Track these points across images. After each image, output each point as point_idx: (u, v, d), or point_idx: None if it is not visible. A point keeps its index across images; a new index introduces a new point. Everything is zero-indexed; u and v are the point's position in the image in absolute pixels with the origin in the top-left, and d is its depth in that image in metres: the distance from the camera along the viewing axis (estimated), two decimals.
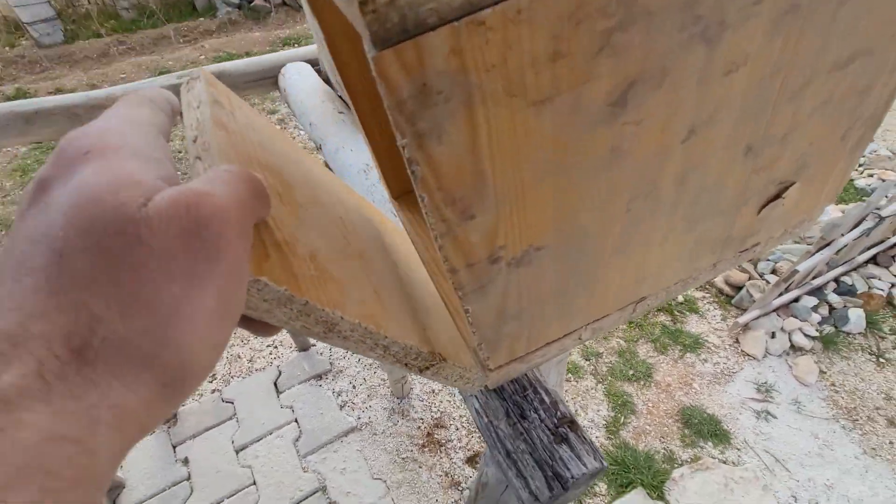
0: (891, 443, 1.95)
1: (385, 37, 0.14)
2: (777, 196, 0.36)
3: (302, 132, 3.36)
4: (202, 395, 1.99)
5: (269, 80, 1.19)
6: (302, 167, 0.30)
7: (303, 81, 1.13)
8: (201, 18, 4.90)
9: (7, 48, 4.29)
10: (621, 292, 0.37)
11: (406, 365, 0.28)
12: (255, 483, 1.74)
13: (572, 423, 0.51)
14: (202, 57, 4.25)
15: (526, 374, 0.55)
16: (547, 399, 0.53)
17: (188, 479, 1.75)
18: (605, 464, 0.49)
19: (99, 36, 4.48)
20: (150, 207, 0.14)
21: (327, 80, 1.18)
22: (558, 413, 0.52)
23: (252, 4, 5.08)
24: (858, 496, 1.81)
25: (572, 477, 0.46)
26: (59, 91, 3.80)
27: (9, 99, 3.65)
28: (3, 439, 0.11)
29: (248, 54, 4.34)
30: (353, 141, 0.89)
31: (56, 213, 0.14)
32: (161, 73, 4.01)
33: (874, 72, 0.28)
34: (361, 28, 0.14)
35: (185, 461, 1.79)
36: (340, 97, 1.07)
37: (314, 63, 1.25)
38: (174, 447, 1.83)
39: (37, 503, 0.11)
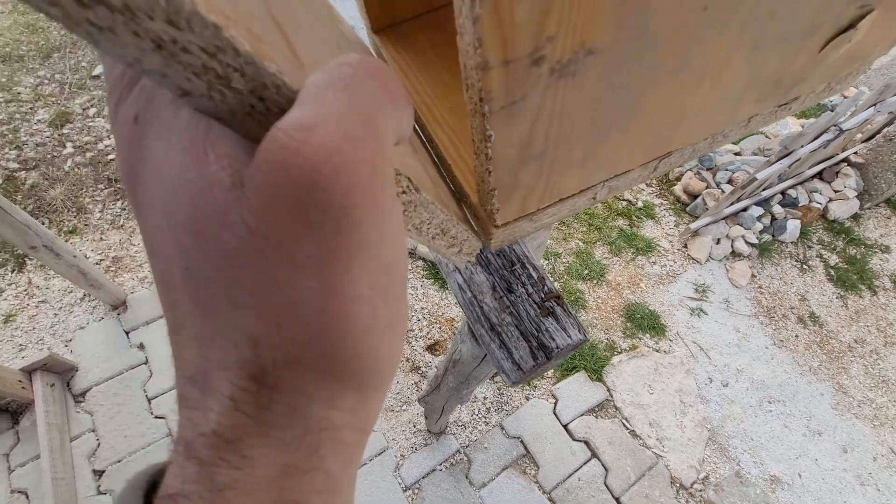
0: (796, 336, 2.24)
1: None
2: (849, 27, 0.31)
3: None
4: (152, 283, 1.90)
5: None
6: None
7: None
8: None
9: None
10: (654, 140, 0.32)
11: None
12: None
13: (559, 298, 0.49)
14: None
15: (514, 249, 0.52)
16: (534, 274, 0.50)
17: (146, 363, 1.74)
18: (588, 336, 0.48)
19: None
20: (248, 186, 0.11)
21: None
22: (545, 288, 0.50)
23: None
24: (762, 378, 2.11)
25: (557, 347, 0.46)
26: None
27: None
28: (246, 478, 0.11)
29: None
30: None
31: (155, 214, 0.12)
32: None
33: None
34: None
35: (141, 346, 1.76)
36: None
37: None
38: (127, 333, 1.78)
39: None
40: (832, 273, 2.44)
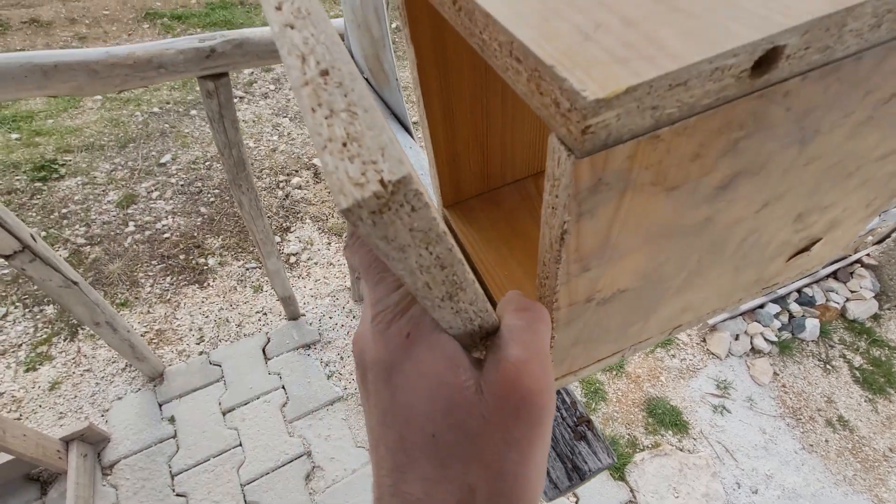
0: (826, 441, 2.17)
1: (589, 150, 0.18)
2: (805, 249, 0.42)
3: None
4: (189, 356, 2.01)
5: None
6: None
7: None
8: None
9: None
10: (668, 320, 0.43)
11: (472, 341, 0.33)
12: (241, 444, 1.79)
13: (589, 423, 0.58)
14: (193, 1, 4.02)
15: None
16: (567, 399, 0.59)
17: (174, 436, 1.78)
18: (616, 459, 0.56)
19: None
20: (486, 392, 0.18)
21: (351, 56, 1.17)
22: (577, 413, 0.58)
23: None
24: (793, 486, 2.01)
25: (590, 470, 0.53)
26: (34, 21, 3.54)
27: None
28: None
29: (242, 3, 4.12)
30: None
31: (415, 396, 0.18)
32: (148, 14, 3.78)
33: None
34: (572, 144, 0.17)
35: (172, 420, 1.82)
36: (367, 79, 1.08)
37: (339, 37, 1.24)
38: (160, 405, 1.85)
39: None
40: (857, 375, 2.40)
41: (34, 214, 2.36)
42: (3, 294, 2.09)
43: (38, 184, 2.49)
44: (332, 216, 2.59)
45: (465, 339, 0.21)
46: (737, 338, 2.40)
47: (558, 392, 0.60)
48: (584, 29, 0.18)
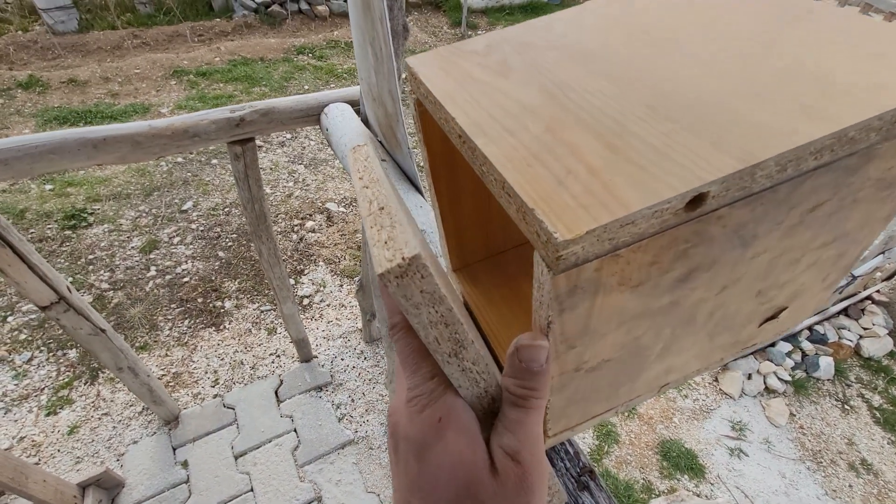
0: (850, 486, 2.09)
1: (563, 268, 0.24)
2: (774, 316, 0.47)
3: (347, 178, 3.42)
4: (204, 399, 2.04)
5: (312, 116, 1.29)
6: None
7: (345, 123, 1.23)
8: (217, 19, 4.97)
9: (20, 32, 4.29)
10: (654, 380, 0.47)
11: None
12: (252, 490, 1.79)
13: (592, 473, 0.61)
14: (217, 59, 4.32)
15: None
16: (571, 450, 0.63)
17: (187, 482, 1.80)
18: None
19: (114, 28, 4.51)
20: (499, 473, 0.23)
21: (365, 121, 1.28)
22: (580, 463, 0.62)
23: (269, 10, 5.17)
24: None
25: None
26: (72, 81, 3.82)
27: (21, 85, 3.65)
28: None
29: (262, 60, 4.41)
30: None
31: (440, 471, 0.23)
32: (175, 72, 4.06)
33: (849, 244, 0.39)
34: (550, 264, 0.24)
35: (185, 464, 1.84)
36: (381, 143, 1.17)
37: (354, 104, 1.35)
38: (174, 449, 1.87)
39: None
40: (878, 415, 2.34)
41: (62, 261, 2.48)
42: (30, 339, 2.17)
43: (67, 231, 2.63)
44: (345, 258, 2.67)
45: (475, 403, 0.26)
46: (749, 377, 2.38)
47: (562, 444, 0.64)
48: (559, 175, 0.24)
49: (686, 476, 2.05)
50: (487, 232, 0.62)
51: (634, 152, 0.26)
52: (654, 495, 1.97)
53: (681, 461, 2.08)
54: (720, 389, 2.37)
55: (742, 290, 0.39)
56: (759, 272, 0.36)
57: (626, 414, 2.23)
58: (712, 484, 2.04)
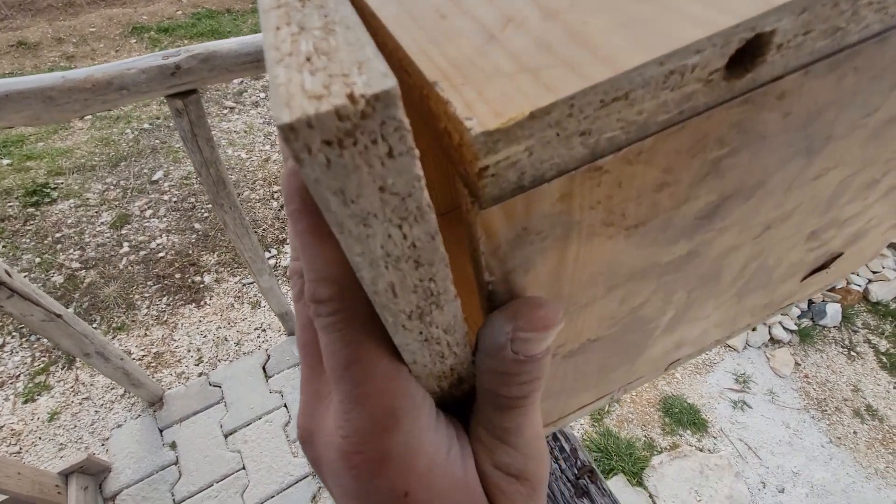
0: (854, 433, 2.07)
1: (496, 195, 0.12)
2: (823, 266, 0.35)
3: None
4: (188, 378, 1.96)
5: (263, 61, 1.11)
6: None
7: None
8: None
9: None
10: (660, 358, 0.36)
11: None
12: (244, 468, 1.74)
13: (592, 473, 0.50)
14: (179, 12, 3.97)
15: None
16: (567, 447, 0.52)
17: (176, 463, 1.74)
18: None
19: None
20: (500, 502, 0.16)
21: None
22: (578, 462, 0.51)
23: None
24: (822, 482, 1.92)
25: None
26: (21, 44, 3.52)
27: None
28: None
29: (229, 11, 4.07)
30: None
31: None
32: (134, 29, 3.74)
33: None
34: (472, 189, 0.12)
35: (173, 445, 1.78)
36: None
37: None
38: (161, 431, 1.81)
39: None
40: (884, 360, 2.29)
41: (28, 241, 2.34)
42: (0, 324, 2.07)
43: (30, 209, 2.47)
44: None
45: (431, 384, 0.16)
46: (754, 328, 2.31)
47: (556, 438, 0.53)
48: (489, 27, 0.13)
49: (688, 431, 2.01)
50: (448, 177, 0.49)
51: None
52: (656, 452, 1.94)
53: (683, 417, 2.04)
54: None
55: (791, 231, 0.27)
56: (822, 201, 0.25)
57: None
58: (715, 438, 2.01)
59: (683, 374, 2.19)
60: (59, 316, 1.34)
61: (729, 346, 2.28)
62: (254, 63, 1.10)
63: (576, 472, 0.50)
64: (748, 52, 0.12)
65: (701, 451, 1.96)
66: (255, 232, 2.29)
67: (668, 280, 0.23)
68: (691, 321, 0.31)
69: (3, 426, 1.79)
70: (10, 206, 2.47)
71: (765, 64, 0.13)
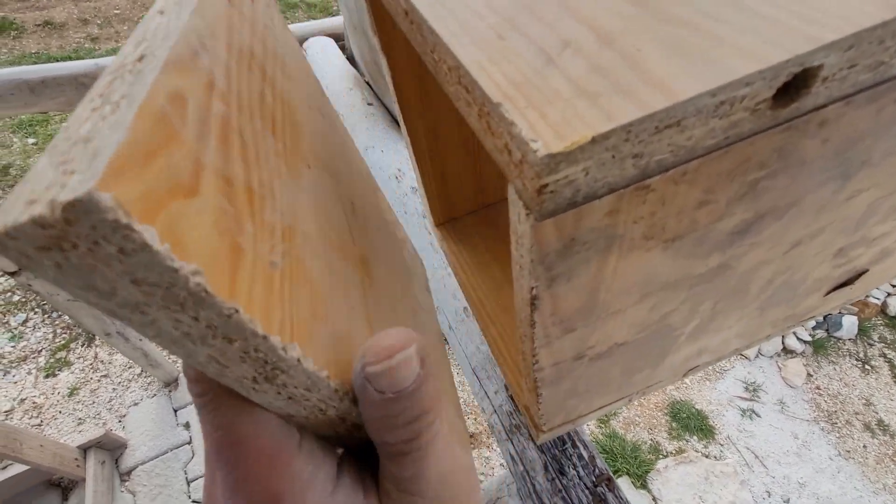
0: (864, 447, 2.05)
1: (551, 210, 0.13)
2: (848, 282, 0.35)
3: None
4: None
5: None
6: (329, 123, 0.27)
7: (327, 62, 1.06)
8: None
9: None
10: (681, 365, 0.37)
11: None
12: None
13: (610, 481, 0.51)
14: None
15: None
16: (585, 454, 0.52)
17: (189, 442, 1.79)
18: None
19: None
20: None
21: (351, 59, 1.11)
22: (596, 470, 0.52)
23: None
24: (828, 494, 1.91)
25: None
26: (48, 24, 3.57)
27: None
28: None
29: None
30: (384, 140, 0.84)
31: None
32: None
33: None
34: (529, 202, 0.13)
35: (187, 426, 1.83)
36: (368, 84, 1.01)
37: (338, 38, 1.17)
38: (175, 411, 1.86)
39: None
40: None
41: None
42: (24, 300, 2.13)
43: None
44: None
45: (320, 429, 0.15)
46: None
47: (574, 446, 0.53)
48: (547, 49, 0.14)
49: (695, 437, 2.01)
50: (478, 175, 0.49)
51: (678, 2, 0.15)
52: (661, 456, 1.94)
53: (690, 422, 2.03)
54: None
55: (819, 249, 0.28)
56: (852, 221, 0.26)
57: None
58: (722, 445, 2.00)
59: (693, 379, 2.18)
60: None
61: (741, 355, 2.26)
62: None
63: (594, 479, 0.51)
64: (794, 85, 0.13)
65: (707, 457, 1.96)
66: None
67: (698, 290, 0.24)
68: (714, 331, 0.32)
69: (25, 399, 1.85)
70: None
71: (809, 95, 0.13)
